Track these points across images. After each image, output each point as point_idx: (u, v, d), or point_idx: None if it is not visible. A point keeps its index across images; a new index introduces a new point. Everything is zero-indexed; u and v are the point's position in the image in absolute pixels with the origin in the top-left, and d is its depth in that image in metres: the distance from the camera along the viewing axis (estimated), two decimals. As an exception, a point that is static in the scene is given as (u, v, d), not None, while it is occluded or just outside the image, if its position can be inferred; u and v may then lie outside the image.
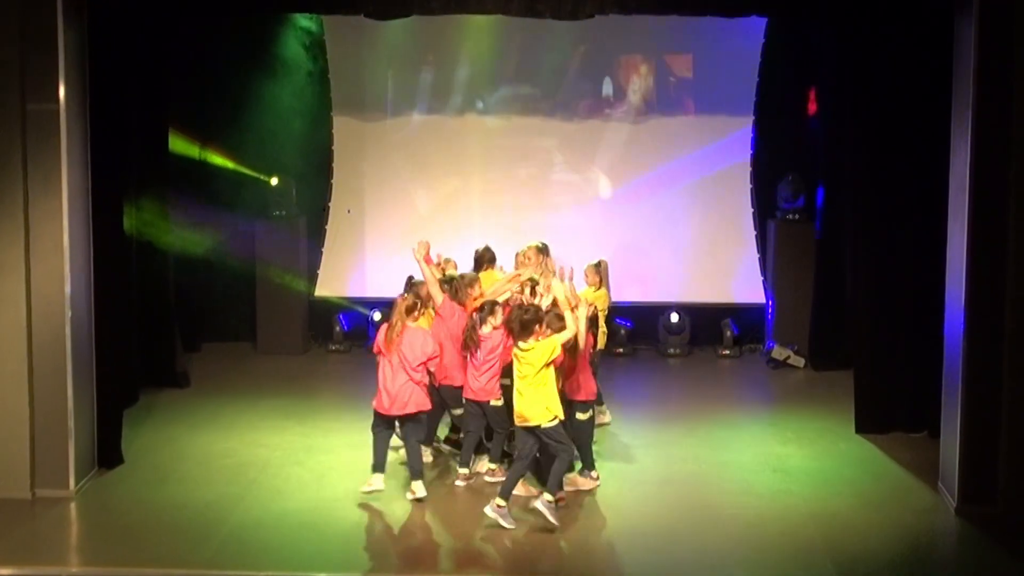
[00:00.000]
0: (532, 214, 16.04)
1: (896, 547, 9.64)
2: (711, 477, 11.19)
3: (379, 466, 10.59)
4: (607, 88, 16.14)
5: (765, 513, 10.31)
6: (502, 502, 9.86)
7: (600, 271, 12.21)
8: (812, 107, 15.62)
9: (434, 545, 9.70)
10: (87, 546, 9.91)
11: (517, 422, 10.12)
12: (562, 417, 10.02)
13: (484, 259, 12.32)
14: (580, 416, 10.67)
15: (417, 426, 10.61)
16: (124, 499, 10.56)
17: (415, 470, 10.53)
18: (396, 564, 9.36)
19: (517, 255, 12.14)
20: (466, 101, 16.26)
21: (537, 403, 9.89)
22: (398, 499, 10.50)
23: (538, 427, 9.93)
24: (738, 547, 9.67)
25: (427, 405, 10.57)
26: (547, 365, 9.90)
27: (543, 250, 12.34)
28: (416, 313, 10.64)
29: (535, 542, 9.69)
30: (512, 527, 9.79)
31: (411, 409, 10.44)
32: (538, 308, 10.29)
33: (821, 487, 10.94)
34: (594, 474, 10.82)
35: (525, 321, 10.00)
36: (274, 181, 15.93)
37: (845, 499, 10.66)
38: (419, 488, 10.46)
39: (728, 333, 15.85)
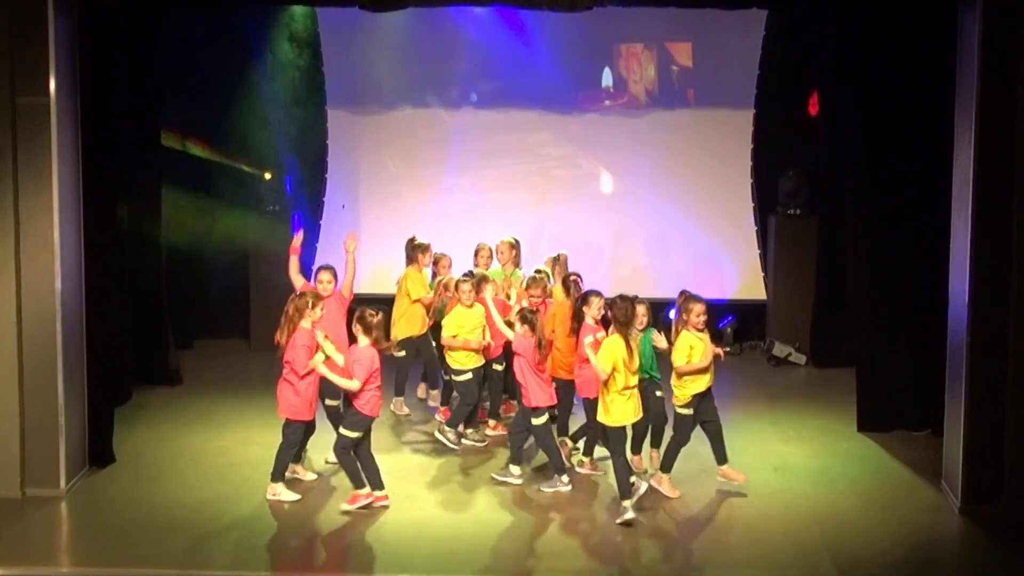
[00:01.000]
0: (528, 208, 16.04)
1: (899, 547, 9.65)
2: (711, 476, 11.18)
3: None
4: (606, 79, 16.11)
5: (766, 512, 10.32)
6: (626, 503, 10.02)
7: (559, 265, 12.17)
8: (813, 109, 15.63)
9: (421, 543, 9.68)
10: (78, 546, 9.90)
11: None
12: (613, 424, 10.14)
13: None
14: (535, 421, 10.82)
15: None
16: (116, 498, 10.56)
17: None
18: (389, 564, 9.35)
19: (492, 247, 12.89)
20: (462, 94, 16.26)
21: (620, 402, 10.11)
22: (396, 501, 10.52)
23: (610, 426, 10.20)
24: (738, 547, 9.68)
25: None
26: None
27: (515, 245, 12.82)
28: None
29: (531, 539, 9.70)
30: (638, 517, 9.98)
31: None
32: (633, 298, 10.39)
33: (822, 486, 10.95)
34: (564, 478, 10.86)
35: (631, 313, 10.17)
36: (267, 176, 15.92)
37: (847, 498, 10.66)
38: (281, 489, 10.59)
39: (728, 330, 15.86)
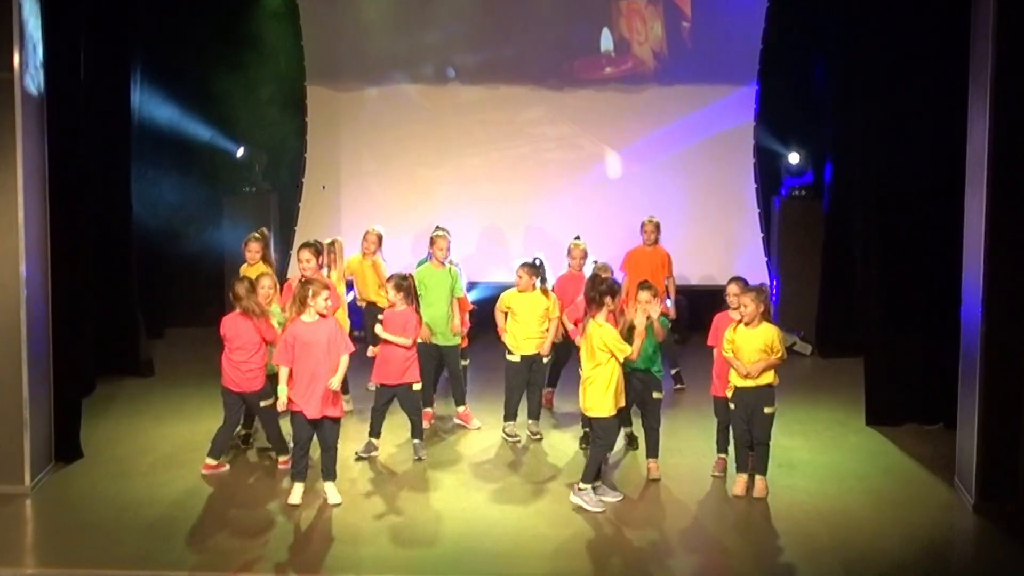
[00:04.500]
0: (518, 184, 16.04)
1: (909, 546, 9.66)
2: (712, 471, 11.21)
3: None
4: (606, 41, 15.97)
5: (770, 510, 10.34)
6: (583, 485, 10.26)
7: (335, 251, 12.44)
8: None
9: (402, 540, 9.70)
10: (44, 545, 9.87)
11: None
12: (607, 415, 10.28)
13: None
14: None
15: None
16: (83, 495, 10.54)
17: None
18: (371, 564, 9.36)
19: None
20: (447, 69, 16.21)
21: (594, 393, 10.25)
22: (370, 498, 10.56)
23: (593, 417, 10.36)
24: (742, 545, 9.70)
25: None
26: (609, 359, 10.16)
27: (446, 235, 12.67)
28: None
29: (527, 540, 9.71)
30: (600, 510, 10.16)
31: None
32: (614, 281, 10.56)
33: (829, 482, 10.97)
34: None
35: (601, 292, 10.27)
36: (240, 152, 15.91)
37: (855, 495, 10.69)
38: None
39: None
